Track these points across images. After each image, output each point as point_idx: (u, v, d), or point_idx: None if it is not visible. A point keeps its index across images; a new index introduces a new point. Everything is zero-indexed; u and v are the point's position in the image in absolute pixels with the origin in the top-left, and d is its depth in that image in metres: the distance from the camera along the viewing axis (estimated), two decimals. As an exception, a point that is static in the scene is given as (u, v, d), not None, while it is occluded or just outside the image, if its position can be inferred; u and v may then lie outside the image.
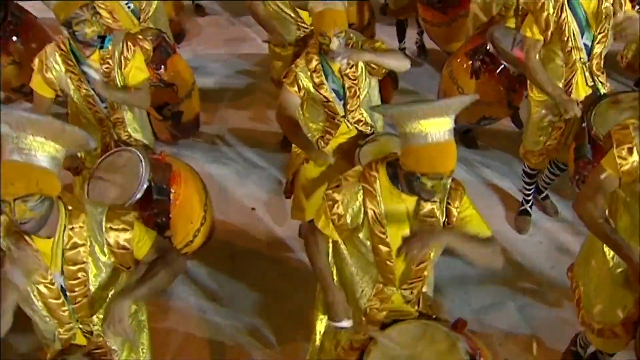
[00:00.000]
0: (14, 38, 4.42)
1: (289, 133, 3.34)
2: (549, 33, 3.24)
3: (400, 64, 3.23)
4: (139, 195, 3.00)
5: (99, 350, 2.39)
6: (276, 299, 3.68)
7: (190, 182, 3.42)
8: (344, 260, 2.51)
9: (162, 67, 4.04)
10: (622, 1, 3.18)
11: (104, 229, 2.23)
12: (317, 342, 2.74)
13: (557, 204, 4.18)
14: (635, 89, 4.48)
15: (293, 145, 3.50)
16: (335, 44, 3.02)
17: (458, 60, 4.23)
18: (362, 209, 2.31)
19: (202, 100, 4.72)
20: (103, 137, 3.37)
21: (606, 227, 2.43)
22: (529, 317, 3.56)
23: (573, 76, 3.33)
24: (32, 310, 2.28)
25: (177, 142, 4.82)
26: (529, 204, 4.06)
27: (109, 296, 2.33)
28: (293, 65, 3.21)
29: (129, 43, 3.21)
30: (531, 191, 4.00)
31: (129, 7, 4.00)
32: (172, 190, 3.23)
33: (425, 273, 2.44)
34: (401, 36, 5.58)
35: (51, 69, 3.16)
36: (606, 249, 2.59)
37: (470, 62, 4.11)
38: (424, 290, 2.54)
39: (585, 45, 3.25)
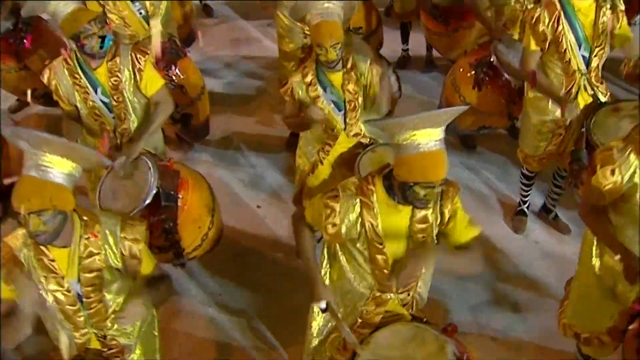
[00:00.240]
0: (26, 43, 4.45)
1: (298, 128, 3.48)
2: (547, 44, 3.32)
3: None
4: (147, 201, 3.09)
5: (112, 351, 2.51)
6: (278, 299, 3.75)
7: (198, 188, 3.50)
8: (341, 267, 2.59)
9: (172, 67, 4.10)
10: (619, 15, 3.26)
11: (119, 239, 2.36)
12: (313, 343, 2.81)
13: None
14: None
15: (297, 159, 3.61)
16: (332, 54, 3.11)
17: (461, 70, 4.31)
18: (360, 221, 2.39)
19: (210, 103, 4.74)
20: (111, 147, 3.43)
21: (604, 227, 2.57)
22: (524, 316, 3.65)
23: (573, 85, 3.40)
24: (49, 317, 2.40)
25: (189, 148, 4.90)
26: (526, 205, 4.14)
27: (121, 302, 2.45)
28: (290, 77, 3.30)
29: (138, 55, 3.29)
30: (528, 193, 4.08)
31: (140, 14, 4.06)
32: (180, 196, 3.31)
33: (419, 273, 2.52)
34: (405, 38, 5.61)
35: (59, 83, 3.27)
36: (593, 262, 2.71)
37: (474, 73, 4.19)
38: (419, 290, 2.64)
39: (583, 56, 3.33)
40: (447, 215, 2.43)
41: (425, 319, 2.56)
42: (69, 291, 2.34)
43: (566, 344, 3.24)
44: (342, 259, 2.55)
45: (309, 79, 3.24)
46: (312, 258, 2.57)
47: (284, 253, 4.07)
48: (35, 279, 2.31)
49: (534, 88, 3.52)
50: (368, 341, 2.45)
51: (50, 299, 2.34)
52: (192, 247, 3.42)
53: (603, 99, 3.46)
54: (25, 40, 4.44)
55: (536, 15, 3.27)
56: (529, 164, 3.84)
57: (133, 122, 3.42)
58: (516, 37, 4.04)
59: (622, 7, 3.27)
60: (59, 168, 2.20)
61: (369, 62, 3.30)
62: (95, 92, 3.27)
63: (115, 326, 2.45)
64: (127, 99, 3.31)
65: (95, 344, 2.48)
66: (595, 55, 3.32)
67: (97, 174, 3.36)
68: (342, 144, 3.39)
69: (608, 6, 3.25)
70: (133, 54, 3.28)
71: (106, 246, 2.36)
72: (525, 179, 4.00)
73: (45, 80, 3.29)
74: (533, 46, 3.34)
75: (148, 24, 4.09)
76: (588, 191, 2.56)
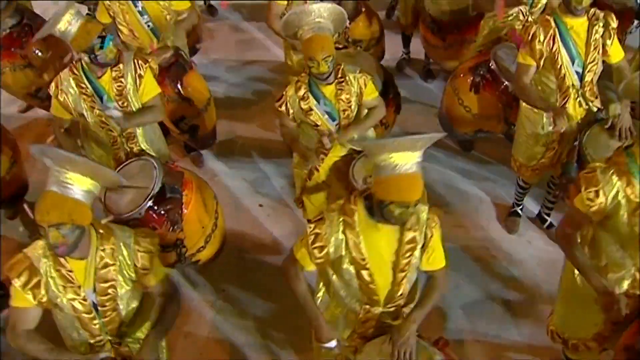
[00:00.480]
0: (29, 42, 4.52)
1: (292, 144, 3.55)
2: (542, 60, 3.40)
3: (379, 119, 3.55)
4: (155, 191, 3.23)
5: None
6: (280, 299, 3.80)
7: (202, 189, 3.61)
8: (333, 284, 2.70)
9: (179, 82, 4.18)
10: (611, 33, 3.36)
11: (132, 250, 2.51)
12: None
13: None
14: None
15: (293, 168, 3.75)
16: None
17: (462, 75, 4.40)
18: (344, 239, 2.52)
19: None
20: (116, 152, 3.58)
21: (579, 256, 2.66)
22: (515, 315, 3.74)
23: (567, 101, 3.49)
24: (65, 324, 2.55)
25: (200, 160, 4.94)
26: (520, 207, 4.25)
27: (134, 310, 2.60)
28: (284, 92, 3.40)
29: (140, 62, 3.41)
30: (523, 197, 4.18)
31: (148, 26, 4.14)
32: (185, 194, 3.43)
33: (406, 290, 2.67)
34: (406, 42, 5.66)
35: (66, 92, 3.37)
36: (575, 273, 2.82)
37: (472, 76, 4.27)
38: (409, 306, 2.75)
39: (577, 72, 3.42)
40: (429, 238, 2.57)
41: (419, 334, 2.66)
42: (85, 300, 2.48)
43: (557, 346, 3.29)
44: (334, 277, 2.66)
45: (301, 92, 3.34)
46: (310, 300, 2.69)
47: (286, 255, 4.12)
48: (54, 288, 2.45)
49: (521, 100, 3.62)
50: (361, 350, 2.59)
51: (67, 307, 2.47)
52: (196, 248, 3.51)
53: (598, 114, 3.53)
54: (29, 39, 4.50)
55: (532, 32, 3.35)
56: (522, 174, 3.93)
57: (137, 127, 3.54)
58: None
59: (614, 25, 3.36)
60: (79, 185, 2.34)
61: (358, 71, 3.40)
62: (102, 100, 3.38)
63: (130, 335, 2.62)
64: (131, 104, 3.43)
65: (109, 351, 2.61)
66: (588, 71, 3.41)
67: None
68: (337, 152, 3.50)
69: (600, 24, 3.34)
70: (135, 61, 3.40)
71: (120, 257, 2.50)
72: (520, 188, 4.11)
73: (52, 92, 3.39)
74: (529, 62, 3.42)
75: (156, 36, 4.19)
76: (570, 212, 2.65)
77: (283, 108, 3.39)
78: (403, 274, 2.56)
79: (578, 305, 2.90)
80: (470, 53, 4.60)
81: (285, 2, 4.04)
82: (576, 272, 2.81)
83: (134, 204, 3.18)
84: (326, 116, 3.38)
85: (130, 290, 2.56)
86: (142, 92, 3.44)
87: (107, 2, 4.07)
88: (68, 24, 3.21)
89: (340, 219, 2.50)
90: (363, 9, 4.62)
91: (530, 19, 4.01)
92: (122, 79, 3.37)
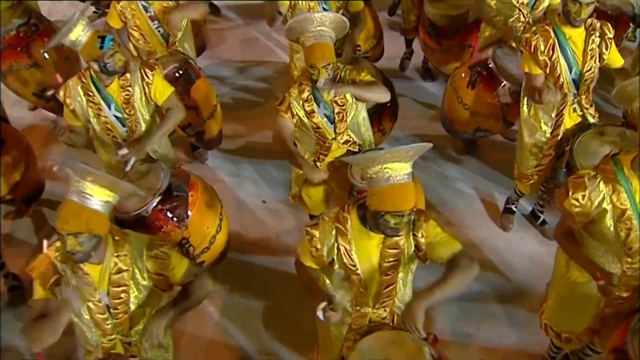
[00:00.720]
0: (36, 42, 4.59)
1: (286, 154, 3.55)
2: (546, 69, 3.49)
3: (380, 97, 3.51)
4: (162, 189, 3.33)
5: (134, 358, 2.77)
6: (281, 299, 3.91)
7: (207, 191, 3.70)
8: (328, 287, 2.83)
9: (186, 95, 4.23)
10: (608, 43, 3.45)
11: (144, 257, 2.63)
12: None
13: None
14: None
15: (293, 171, 3.79)
16: (321, 82, 3.29)
17: (461, 73, 4.47)
18: (336, 245, 2.64)
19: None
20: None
21: (578, 251, 2.78)
22: (508, 312, 3.84)
23: (564, 107, 3.59)
24: (81, 322, 2.66)
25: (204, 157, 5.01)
26: (514, 205, 4.34)
27: (146, 313, 2.71)
28: (287, 94, 3.47)
29: (146, 70, 3.50)
30: (518, 198, 4.26)
31: (159, 31, 4.25)
32: (190, 194, 3.51)
33: (394, 292, 2.76)
34: (408, 43, 5.69)
35: (74, 100, 3.47)
36: (566, 267, 2.94)
37: (470, 73, 4.34)
38: (398, 305, 2.83)
39: (573, 80, 3.51)
40: (422, 242, 2.64)
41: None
42: (99, 302, 2.61)
43: (548, 340, 3.40)
44: (327, 281, 2.80)
45: (305, 94, 3.41)
46: (315, 283, 2.80)
47: (289, 256, 4.03)
48: (71, 289, 2.56)
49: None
50: (354, 347, 2.70)
51: (83, 307, 2.60)
52: (201, 249, 3.57)
53: (592, 120, 3.63)
54: (36, 39, 4.58)
55: (534, 44, 3.44)
56: (520, 181, 4.01)
57: (143, 133, 3.61)
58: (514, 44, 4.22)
59: (610, 35, 3.44)
60: (97, 196, 2.47)
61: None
62: (109, 107, 3.48)
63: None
64: (138, 112, 3.52)
65: (120, 349, 2.74)
66: (585, 79, 3.50)
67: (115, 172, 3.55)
68: (335, 153, 3.59)
69: (597, 34, 3.44)
70: (141, 70, 3.49)
71: (134, 264, 2.62)
72: (516, 194, 4.20)
73: (60, 98, 3.49)
74: (536, 71, 3.51)
75: (167, 41, 4.28)
76: (563, 216, 2.78)
77: (284, 108, 3.45)
78: (388, 277, 2.67)
79: (569, 302, 3.02)
80: (467, 58, 4.67)
81: (288, 2, 4.09)
82: (567, 271, 2.93)
83: (141, 202, 3.28)
84: (325, 119, 3.47)
85: (142, 294, 2.68)
86: (155, 95, 3.52)
87: (119, 7, 4.17)
88: (79, 34, 3.31)
89: (333, 226, 2.63)
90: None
91: (531, 20, 4.10)
92: (130, 88, 3.46)
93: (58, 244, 2.58)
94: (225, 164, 5.01)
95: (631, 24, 4.89)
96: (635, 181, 2.54)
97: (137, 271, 2.63)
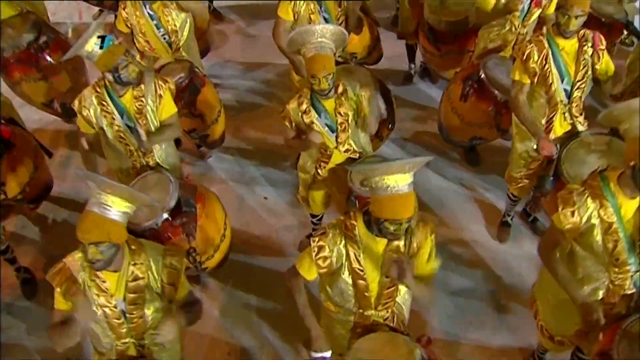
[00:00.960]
0: (46, 56, 4.67)
1: (299, 149, 3.77)
2: (535, 77, 3.59)
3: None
4: (172, 204, 3.47)
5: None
6: (281, 300, 3.94)
7: (213, 203, 3.84)
8: (329, 295, 2.96)
9: (192, 106, 4.37)
10: (600, 54, 3.55)
11: (161, 266, 2.78)
12: None
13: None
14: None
15: (299, 173, 3.93)
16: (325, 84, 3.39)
17: (455, 84, 4.56)
18: (345, 251, 2.77)
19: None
20: (134, 164, 3.79)
21: (559, 269, 2.90)
22: (502, 314, 3.91)
23: (554, 115, 3.68)
24: (96, 327, 2.80)
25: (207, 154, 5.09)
26: (510, 217, 4.44)
27: (158, 318, 2.85)
28: (287, 105, 3.59)
29: (160, 82, 3.63)
30: (513, 207, 4.36)
31: (164, 38, 4.36)
32: (198, 206, 3.66)
33: (396, 294, 2.91)
34: (411, 57, 5.69)
35: (88, 109, 3.58)
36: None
37: (462, 85, 4.43)
38: (398, 307, 3.00)
39: (565, 89, 3.61)
40: (415, 247, 2.78)
41: (407, 333, 2.91)
42: (115, 307, 2.76)
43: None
44: (328, 288, 2.93)
45: (304, 106, 3.52)
46: (309, 313, 2.91)
47: (290, 256, 4.22)
48: (89, 295, 2.72)
49: (514, 114, 3.77)
50: (349, 347, 2.84)
51: (99, 312, 2.75)
52: (205, 257, 3.72)
53: (581, 128, 3.72)
54: (46, 52, 4.66)
55: (527, 52, 3.53)
56: (510, 185, 4.13)
57: None
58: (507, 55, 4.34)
59: (602, 46, 3.54)
60: (117, 208, 2.61)
61: (358, 87, 3.62)
62: (122, 117, 3.59)
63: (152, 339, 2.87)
64: (150, 122, 3.63)
65: (133, 352, 2.90)
66: (576, 89, 3.59)
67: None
68: (336, 161, 3.71)
69: (589, 44, 3.54)
70: (155, 81, 3.61)
71: (149, 272, 2.77)
72: (510, 200, 4.28)
73: (75, 108, 3.60)
74: (524, 80, 3.60)
75: (172, 48, 4.39)
76: (551, 228, 2.88)
77: (286, 119, 3.59)
78: (387, 279, 2.80)
79: (559, 305, 3.11)
80: (466, 63, 4.76)
81: (292, 19, 4.19)
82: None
83: (152, 214, 3.41)
84: (326, 128, 3.57)
85: (156, 301, 2.82)
86: (160, 110, 3.64)
87: (125, 14, 4.29)
88: (94, 46, 3.42)
89: (342, 234, 2.76)
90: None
91: (522, 31, 4.21)
92: (143, 99, 3.58)
93: (77, 254, 2.72)
94: (227, 162, 5.09)
95: (624, 31, 4.96)
96: (620, 196, 2.68)
97: (152, 279, 2.78)
